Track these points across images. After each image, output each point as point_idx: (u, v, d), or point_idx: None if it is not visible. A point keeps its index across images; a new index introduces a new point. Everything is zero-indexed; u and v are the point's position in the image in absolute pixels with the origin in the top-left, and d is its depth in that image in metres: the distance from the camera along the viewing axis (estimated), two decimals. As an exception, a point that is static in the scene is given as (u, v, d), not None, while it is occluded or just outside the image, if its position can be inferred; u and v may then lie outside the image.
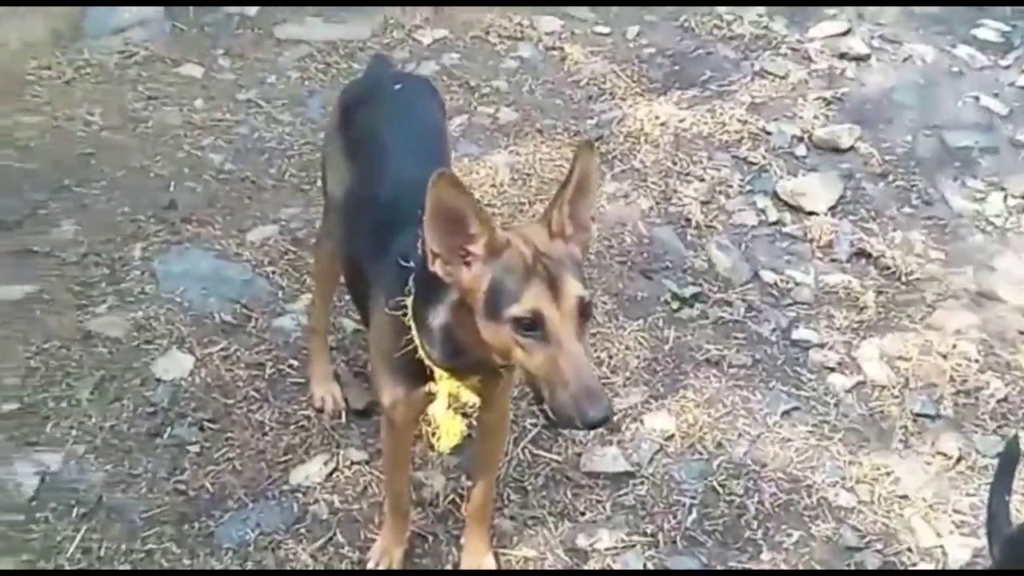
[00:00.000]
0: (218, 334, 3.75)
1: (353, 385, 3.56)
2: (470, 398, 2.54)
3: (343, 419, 3.48)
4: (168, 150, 4.64)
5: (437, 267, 2.24)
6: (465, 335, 2.35)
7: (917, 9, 5.96)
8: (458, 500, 3.24)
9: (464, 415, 2.58)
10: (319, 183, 4.38)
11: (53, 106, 4.84)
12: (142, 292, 3.90)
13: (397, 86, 3.07)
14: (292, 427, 3.45)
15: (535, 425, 3.43)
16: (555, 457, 3.39)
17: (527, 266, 2.18)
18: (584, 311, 2.20)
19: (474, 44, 5.50)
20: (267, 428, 3.44)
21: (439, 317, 2.38)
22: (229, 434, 3.41)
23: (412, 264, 2.45)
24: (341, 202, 3.02)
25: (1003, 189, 4.64)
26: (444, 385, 2.51)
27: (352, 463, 3.35)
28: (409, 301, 2.45)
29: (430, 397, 2.57)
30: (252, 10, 5.61)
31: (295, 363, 3.66)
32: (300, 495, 3.25)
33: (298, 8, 5.64)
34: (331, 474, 3.32)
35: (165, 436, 3.39)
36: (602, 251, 4.18)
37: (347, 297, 3.45)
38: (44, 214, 4.25)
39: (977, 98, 5.26)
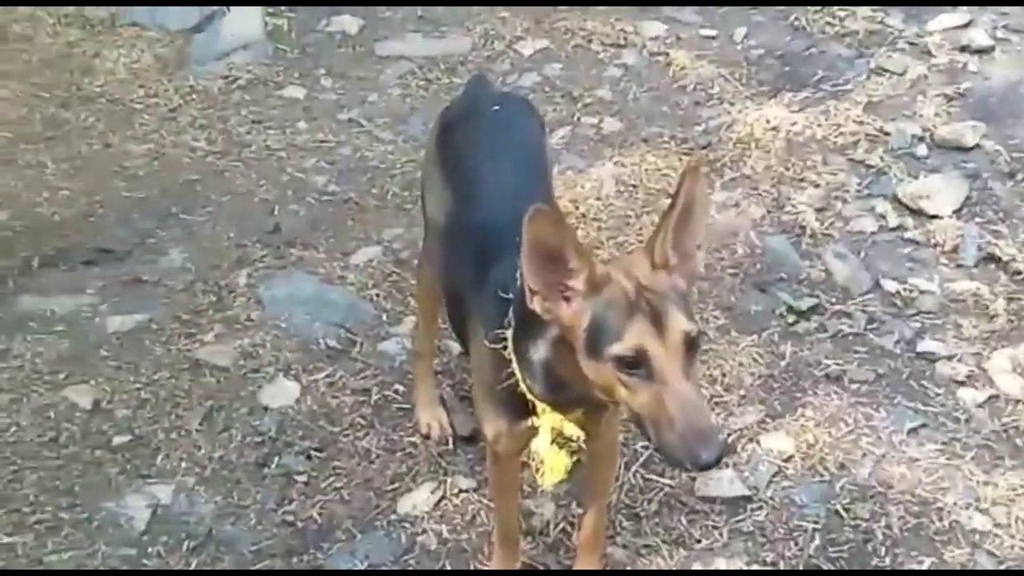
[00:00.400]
0: (323, 360, 3.73)
1: (459, 411, 3.49)
2: (574, 432, 2.43)
3: (450, 445, 3.41)
4: (272, 173, 4.66)
5: (536, 304, 2.15)
6: (566, 371, 2.25)
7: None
8: (569, 528, 3.14)
9: (570, 450, 2.47)
10: (420, 203, 4.41)
11: (160, 133, 4.91)
12: (248, 319, 3.90)
13: (495, 107, 2.99)
14: (399, 454, 3.40)
15: (647, 448, 3.30)
16: (668, 482, 3.26)
17: (629, 301, 2.08)
18: (691, 346, 2.09)
19: (576, 53, 5.40)
20: (373, 456, 3.40)
21: (539, 352, 2.30)
22: (336, 462, 3.38)
23: (511, 296, 2.38)
24: (440, 225, 2.96)
25: None
26: (547, 419, 2.41)
27: (460, 491, 3.27)
28: (509, 334, 2.37)
29: (533, 430, 2.49)
30: (353, 28, 5.61)
31: (401, 388, 3.60)
32: (408, 525, 3.19)
33: (399, 24, 5.61)
34: (439, 502, 3.25)
35: (273, 466, 3.37)
36: (712, 263, 4.03)
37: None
38: (153, 243, 4.30)
39: (1110, 87, 4.96)
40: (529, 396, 2.39)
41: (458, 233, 2.75)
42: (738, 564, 3.03)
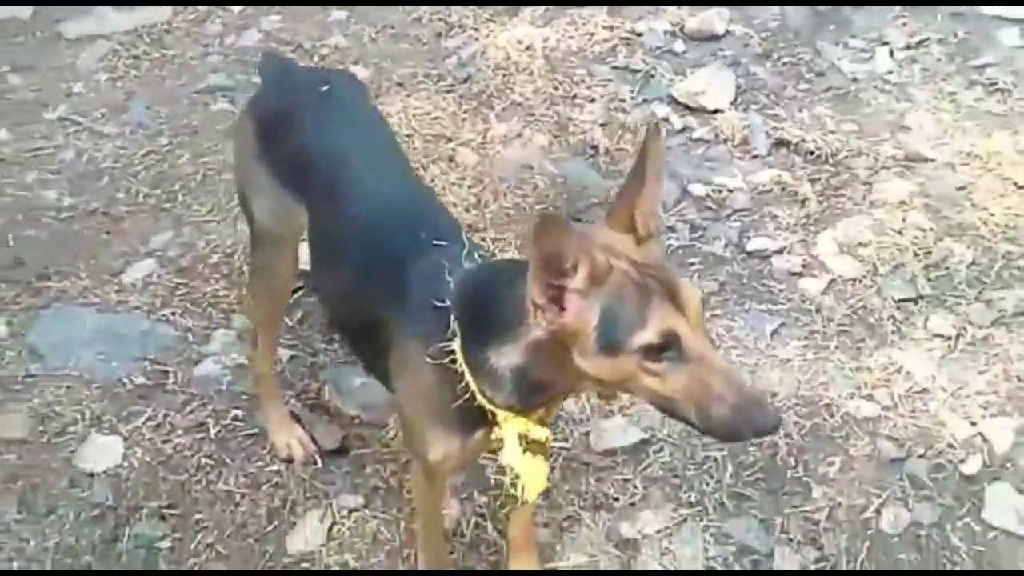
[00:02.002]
0: (136, 402, 3.24)
1: (317, 423, 3.15)
2: (542, 433, 2.20)
3: (319, 464, 3.07)
4: (-11, 197, 3.99)
5: (539, 320, 1.89)
6: (547, 373, 2.02)
7: None
8: (480, 521, 2.92)
9: (543, 454, 2.23)
10: (181, 199, 3.93)
11: None
12: (28, 376, 3.32)
13: (324, 88, 2.61)
14: (265, 488, 3.02)
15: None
16: (562, 445, 3.09)
17: (638, 285, 1.86)
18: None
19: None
20: (237, 497, 3.00)
21: (508, 358, 2.03)
22: (198, 515, 2.96)
23: (447, 303, 2.09)
24: (279, 236, 2.62)
25: (885, 43, 4.52)
26: (511, 427, 2.16)
27: (350, 511, 2.96)
28: (456, 345, 2.09)
29: (487, 442, 2.24)
30: (26, 12, 4.88)
31: (239, 413, 3.20)
32: (306, 563, 2.86)
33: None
34: (331, 530, 2.92)
35: (125, 539, 2.90)
36: (519, 202, 3.84)
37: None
38: None
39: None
40: (489, 407, 2.13)
41: (342, 245, 2.39)
42: (666, 512, 2.92)
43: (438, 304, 2.10)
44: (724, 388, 1.84)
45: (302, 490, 3.01)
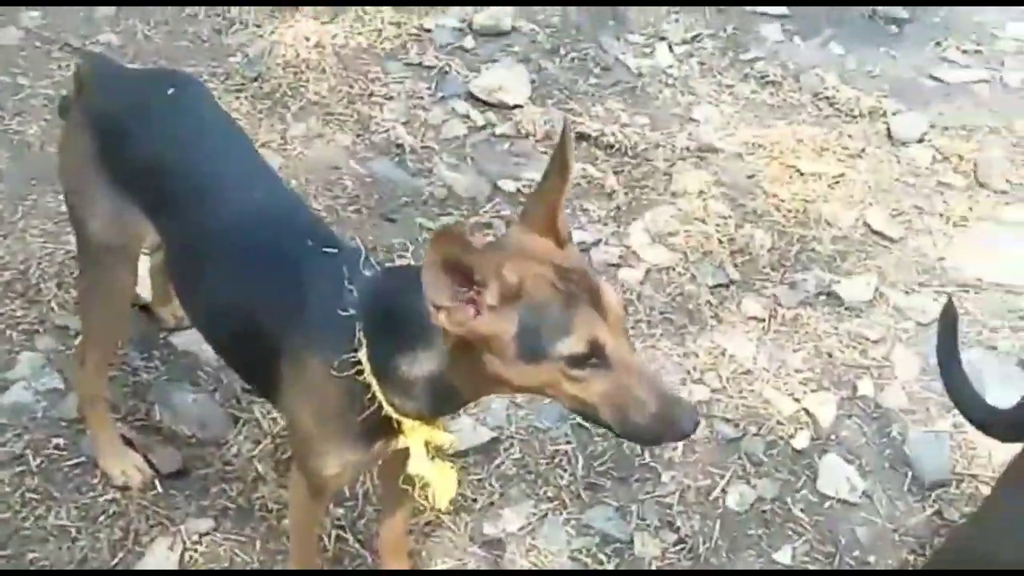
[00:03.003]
0: (-60, 438, 2.96)
1: (152, 446, 2.97)
2: (445, 439, 2.17)
3: (159, 488, 2.90)
4: None
5: (443, 321, 1.84)
6: (464, 380, 1.98)
7: None
8: (341, 534, 2.83)
9: (448, 460, 2.20)
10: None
11: None
12: None
13: (170, 90, 2.44)
14: (102, 518, 2.82)
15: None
16: (412, 448, 3.05)
17: (561, 292, 1.84)
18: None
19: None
20: (73, 531, 2.79)
21: (423, 365, 1.98)
22: (32, 554, 2.73)
23: (353, 312, 2.03)
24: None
25: (663, 38, 4.70)
26: (417, 435, 2.12)
27: (200, 535, 2.81)
28: (362, 355, 2.03)
29: (383, 453, 2.19)
30: None
31: (60, 442, 2.97)
32: (161, 597, 2.70)
33: None
34: (182, 557, 2.77)
35: (-45, 589, 2.66)
36: (331, 204, 3.75)
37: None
38: None
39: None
40: (396, 416, 2.08)
41: (214, 257, 2.25)
42: (525, 510, 2.94)
43: (343, 314, 2.03)
44: (646, 394, 1.85)
45: (144, 518, 2.83)
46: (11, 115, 3.98)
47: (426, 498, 2.20)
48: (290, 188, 2.55)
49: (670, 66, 4.57)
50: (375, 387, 2.04)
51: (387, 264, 2.21)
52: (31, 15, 4.46)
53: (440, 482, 2.16)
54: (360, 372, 2.03)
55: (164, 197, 2.35)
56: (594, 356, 1.84)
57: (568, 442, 3.11)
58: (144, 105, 2.43)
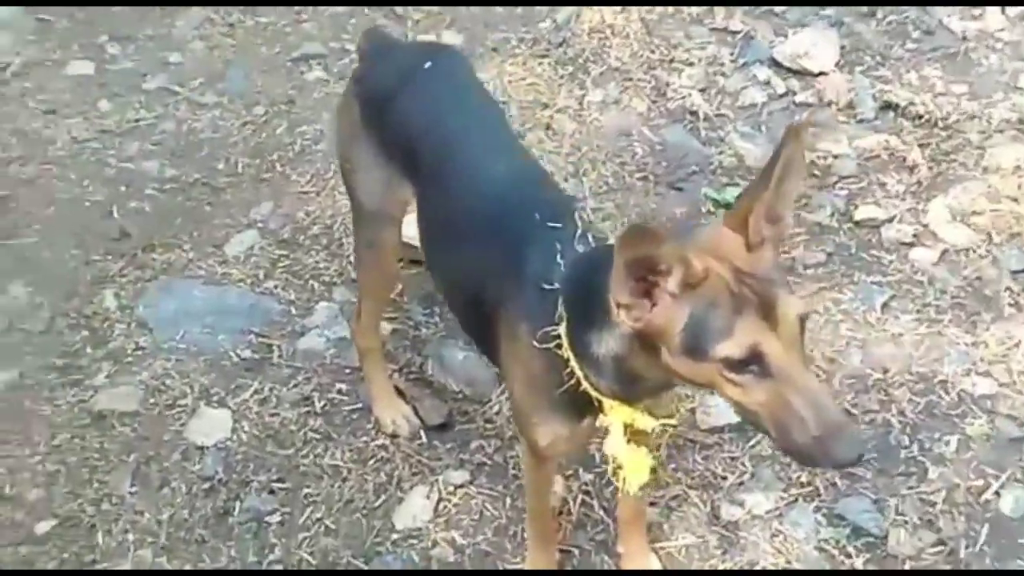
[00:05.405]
0: (243, 375, 3.28)
1: (421, 398, 3.16)
2: (649, 423, 2.17)
3: (424, 439, 3.08)
4: (93, 170, 4.03)
5: (623, 318, 1.86)
6: (644, 366, 1.99)
7: None
8: (587, 499, 2.90)
9: (648, 446, 2.21)
10: (279, 169, 3.94)
11: (-56, 151, 4.15)
12: (138, 348, 3.38)
13: (427, 64, 2.58)
14: (371, 463, 3.04)
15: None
16: (667, 421, 3.04)
17: (732, 294, 1.80)
18: (803, 328, 1.85)
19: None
20: (344, 472, 3.03)
21: (607, 346, 2.01)
22: (306, 490, 2.99)
23: (557, 286, 2.07)
24: (388, 215, 2.61)
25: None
26: (617, 415, 2.14)
27: (455, 487, 2.96)
28: (563, 330, 2.07)
29: (593, 429, 2.22)
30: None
31: (343, 387, 3.22)
32: (414, 540, 2.87)
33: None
34: (437, 506, 2.93)
35: (236, 513, 2.95)
36: (617, 171, 3.78)
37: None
38: (-16, 282, 3.65)
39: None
40: (594, 393, 2.11)
41: (454, 224, 2.39)
42: (775, 493, 2.87)
43: (547, 287, 2.07)
44: (807, 413, 1.79)
45: (408, 465, 3.02)
46: (336, 79, 4.29)
47: (620, 480, 2.20)
48: (534, 160, 2.59)
49: (1000, 29, 4.22)
50: (573, 362, 2.08)
51: (602, 241, 2.19)
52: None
53: (632, 467, 2.17)
54: (560, 346, 2.08)
55: (416, 164, 2.49)
56: (754, 364, 1.80)
57: (831, 427, 3.00)
58: (403, 76, 2.58)
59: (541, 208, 2.26)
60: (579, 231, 2.14)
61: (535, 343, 2.12)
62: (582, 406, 2.17)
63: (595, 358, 2.05)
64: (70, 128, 4.21)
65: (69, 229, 3.80)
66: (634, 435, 2.18)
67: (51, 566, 2.87)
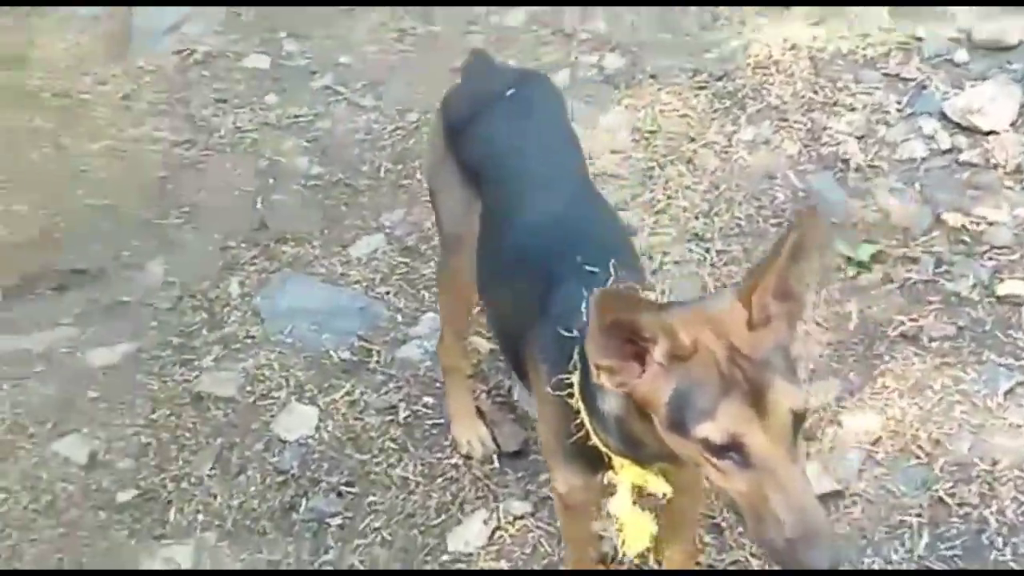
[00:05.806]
0: (339, 376, 3.33)
1: (501, 423, 3.12)
2: (659, 488, 2.06)
3: (496, 464, 3.04)
4: (247, 160, 4.19)
5: (603, 380, 1.77)
6: (641, 431, 1.90)
7: None
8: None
9: (653, 510, 2.11)
10: (418, 176, 3.97)
11: (116, 127, 4.40)
12: (248, 336, 3.49)
13: (510, 91, 2.54)
14: (440, 480, 3.03)
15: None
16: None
17: (721, 374, 1.69)
18: (799, 421, 1.72)
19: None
20: (412, 485, 3.02)
21: (608, 404, 1.93)
22: (371, 497, 3.01)
23: (576, 334, 1.99)
24: (463, 242, 2.57)
25: None
26: (626, 475, 2.06)
27: (515, 518, 2.91)
28: (575, 379, 1.99)
29: (611, 485, 2.13)
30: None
31: (430, 401, 3.22)
32: (462, 564, 2.84)
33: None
34: (493, 534, 2.88)
35: (301, 510, 3.00)
36: (752, 214, 3.62)
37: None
38: (128, 257, 3.84)
39: None
40: (603, 449, 2.03)
41: (498, 254, 2.35)
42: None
43: (566, 333, 2.00)
44: (785, 513, 1.67)
45: (475, 488, 2.99)
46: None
47: (620, 541, 2.10)
48: (598, 198, 2.51)
49: None
50: (583, 414, 2.00)
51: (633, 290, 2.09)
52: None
53: (632, 530, 2.08)
54: (571, 395, 2.00)
55: (480, 189, 2.45)
56: (734, 451, 1.69)
57: (919, 515, 2.78)
58: (484, 102, 2.55)
59: (588, 250, 2.18)
60: (610, 278, 2.05)
61: (548, 389, 2.05)
62: (595, 459, 2.09)
63: (602, 413, 1.98)
64: (236, 118, 4.39)
65: (214, 215, 3.97)
66: (641, 499, 2.09)
67: (123, 535, 3.00)
